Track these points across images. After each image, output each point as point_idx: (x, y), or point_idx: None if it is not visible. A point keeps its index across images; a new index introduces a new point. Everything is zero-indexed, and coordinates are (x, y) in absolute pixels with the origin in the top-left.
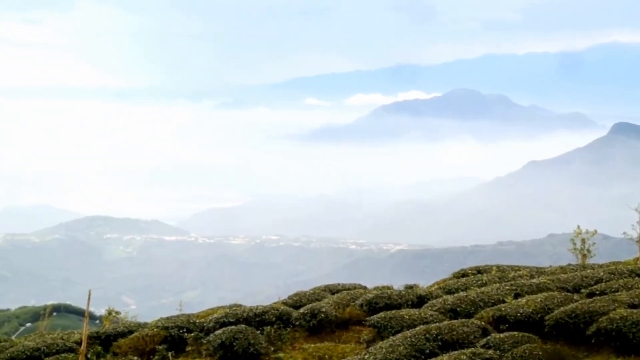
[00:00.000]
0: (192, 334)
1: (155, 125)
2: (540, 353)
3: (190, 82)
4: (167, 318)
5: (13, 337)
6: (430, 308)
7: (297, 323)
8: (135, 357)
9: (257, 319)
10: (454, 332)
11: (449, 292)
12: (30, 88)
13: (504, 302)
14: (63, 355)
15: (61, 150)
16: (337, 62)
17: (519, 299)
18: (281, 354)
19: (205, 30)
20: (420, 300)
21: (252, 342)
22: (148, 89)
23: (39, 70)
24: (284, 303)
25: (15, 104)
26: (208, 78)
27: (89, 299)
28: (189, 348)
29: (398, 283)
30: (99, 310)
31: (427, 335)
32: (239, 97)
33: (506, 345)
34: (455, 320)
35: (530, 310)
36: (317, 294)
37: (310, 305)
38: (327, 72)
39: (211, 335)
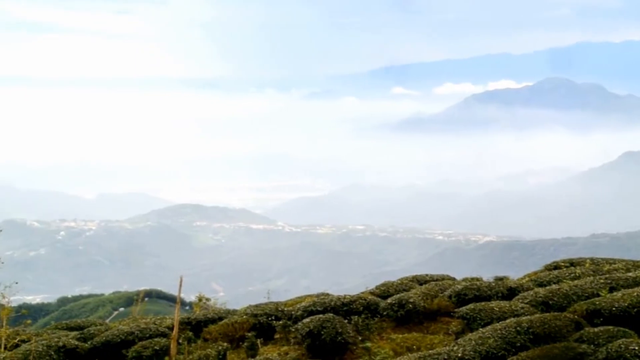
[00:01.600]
0: (281, 322)
1: (245, 115)
2: (637, 348)
3: (280, 72)
4: (256, 305)
5: (107, 321)
6: (521, 300)
7: (385, 313)
8: (225, 344)
9: (344, 308)
10: (546, 326)
11: (541, 285)
12: (122, 79)
13: (598, 295)
14: (156, 339)
15: (154, 140)
16: (427, 51)
17: (614, 293)
18: (369, 344)
19: (295, 20)
20: (510, 293)
21: (339, 331)
22: (238, 79)
23: (131, 62)
24: (372, 293)
25: (109, 95)
26: (297, 68)
27: (180, 285)
28: (277, 336)
29: (486, 275)
30: (189, 297)
31: (518, 328)
32: (328, 86)
33: (601, 340)
34: (547, 314)
35: (626, 304)
36: (404, 284)
37: (398, 295)
38: (416, 61)
39: (299, 323)
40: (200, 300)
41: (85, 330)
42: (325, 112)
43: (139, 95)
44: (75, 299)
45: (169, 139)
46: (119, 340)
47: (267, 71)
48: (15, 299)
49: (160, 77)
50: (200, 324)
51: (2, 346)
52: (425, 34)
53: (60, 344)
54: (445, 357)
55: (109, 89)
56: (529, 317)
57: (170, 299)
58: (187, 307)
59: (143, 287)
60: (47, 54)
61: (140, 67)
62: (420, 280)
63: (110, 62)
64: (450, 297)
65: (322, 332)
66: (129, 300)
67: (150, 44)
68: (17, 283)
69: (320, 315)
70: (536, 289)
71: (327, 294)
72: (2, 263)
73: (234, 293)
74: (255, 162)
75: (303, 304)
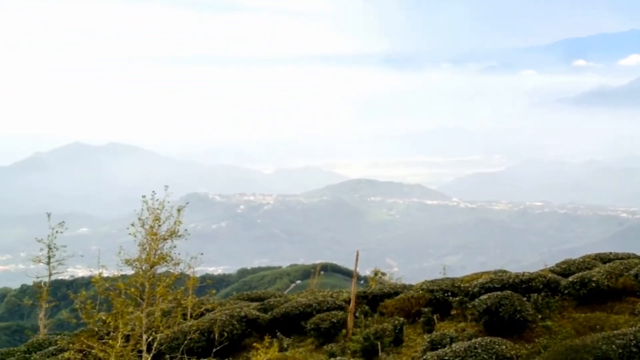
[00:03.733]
0: (457, 298)
1: (420, 90)
2: None
3: (456, 45)
4: (432, 281)
5: (285, 293)
6: None
7: (566, 292)
8: (401, 318)
9: (523, 285)
10: None
11: None
12: (301, 56)
13: None
14: (333, 312)
15: (330, 116)
16: (611, 22)
17: None
18: (549, 322)
19: None
20: None
21: (518, 308)
22: (414, 54)
23: (309, 39)
24: (551, 271)
25: (287, 71)
26: (473, 41)
27: (356, 259)
28: (453, 312)
29: None
30: (363, 271)
31: None
32: (505, 60)
33: None
34: None
35: None
36: (587, 263)
37: (579, 273)
38: (599, 32)
39: (476, 300)
40: (376, 274)
41: (266, 302)
42: (503, 86)
43: (316, 71)
44: (254, 270)
45: (345, 115)
46: (297, 312)
47: (443, 45)
48: (199, 270)
49: (337, 54)
50: (376, 298)
51: (189, 314)
52: (609, 4)
53: (242, 314)
54: (632, 338)
55: (287, 66)
56: None
57: (345, 273)
58: (362, 282)
59: (318, 260)
60: (229, 33)
61: (318, 44)
62: (604, 259)
63: (288, 39)
64: (636, 276)
65: (500, 309)
66: (306, 273)
67: (329, 21)
68: (202, 254)
69: (498, 292)
70: None
71: (505, 271)
72: (189, 235)
73: (408, 268)
74: (430, 138)
75: (480, 280)
